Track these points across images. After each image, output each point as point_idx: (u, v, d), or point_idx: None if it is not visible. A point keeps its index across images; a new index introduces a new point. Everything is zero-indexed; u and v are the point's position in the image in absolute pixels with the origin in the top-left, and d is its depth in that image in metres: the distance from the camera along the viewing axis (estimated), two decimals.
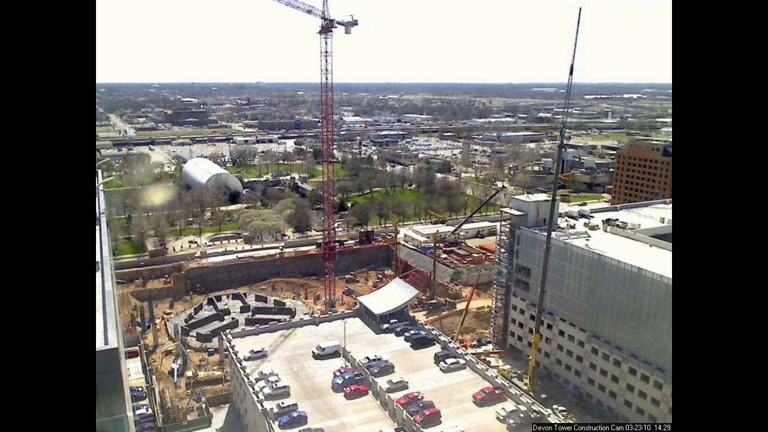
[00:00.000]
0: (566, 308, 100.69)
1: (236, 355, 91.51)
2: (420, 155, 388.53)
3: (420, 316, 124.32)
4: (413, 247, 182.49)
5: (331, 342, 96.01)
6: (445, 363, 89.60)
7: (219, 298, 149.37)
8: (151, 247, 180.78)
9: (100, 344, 33.36)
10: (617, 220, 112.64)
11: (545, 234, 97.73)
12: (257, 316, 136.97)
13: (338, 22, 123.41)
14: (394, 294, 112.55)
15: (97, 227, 55.16)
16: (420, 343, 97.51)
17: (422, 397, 78.88)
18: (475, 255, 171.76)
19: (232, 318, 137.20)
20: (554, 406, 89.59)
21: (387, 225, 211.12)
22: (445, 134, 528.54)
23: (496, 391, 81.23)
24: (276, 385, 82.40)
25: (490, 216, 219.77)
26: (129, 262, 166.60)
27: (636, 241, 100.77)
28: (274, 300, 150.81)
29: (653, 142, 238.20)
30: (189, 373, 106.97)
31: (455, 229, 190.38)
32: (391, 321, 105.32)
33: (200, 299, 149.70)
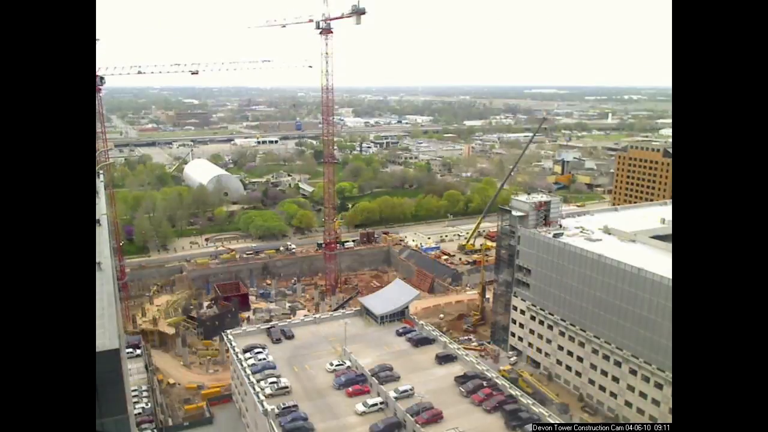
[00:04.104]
0: (566, 308, 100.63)
1: (237, 355, 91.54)
2: (421, 156, 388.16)
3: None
4: (414, 248, 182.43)
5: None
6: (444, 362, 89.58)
7: (221, 298, 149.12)
8: (153, 248, 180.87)
9: (100, 345, 33.42)
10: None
11: (546, 234, 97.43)
12: (258, 315, 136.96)
13: (347, 14, 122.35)
14: (394, 294, 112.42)
15: (98, 228, 55.25)
16: (420, 343, 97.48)
17: (423, 398, 78.79)
18: (476, 256, 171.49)
19: (234, 318, 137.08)
20: (553, 404, 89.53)
21: (390, 226, 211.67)
22: (445, 135, 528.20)
23: (496, 392, 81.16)
24: (276, 385, 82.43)
25: (491, 216, 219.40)
26: (130, 263, 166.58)
27: (636, 242, 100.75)
28: (275, 300, 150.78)
29: (653, 142, 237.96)
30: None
31: (473, 234, 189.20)
32: (391, 321, 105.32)
33: (202, 299, 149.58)
